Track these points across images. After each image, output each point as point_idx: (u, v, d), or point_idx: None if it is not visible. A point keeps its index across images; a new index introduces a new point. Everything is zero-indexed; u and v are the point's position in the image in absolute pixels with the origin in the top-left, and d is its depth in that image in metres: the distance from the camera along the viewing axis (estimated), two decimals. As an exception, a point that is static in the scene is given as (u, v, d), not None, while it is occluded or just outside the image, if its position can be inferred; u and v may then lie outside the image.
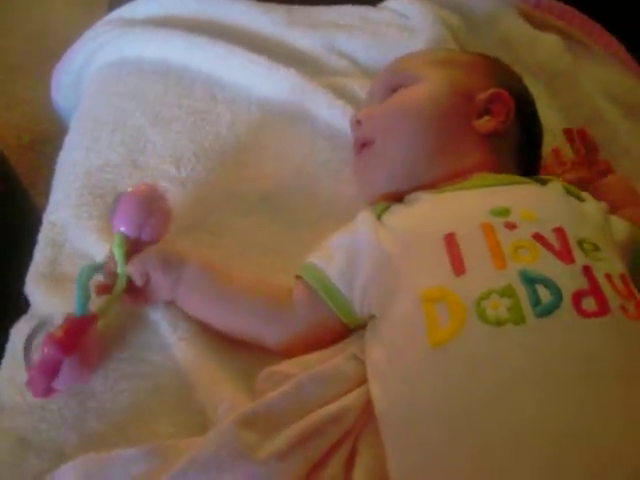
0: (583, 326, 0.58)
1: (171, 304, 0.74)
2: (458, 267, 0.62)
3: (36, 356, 0.66)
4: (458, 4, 1.15)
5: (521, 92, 0.84)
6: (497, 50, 0.91)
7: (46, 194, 0.92)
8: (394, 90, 0.82)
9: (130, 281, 0.71)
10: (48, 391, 0.65)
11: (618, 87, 1.12)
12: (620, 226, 0.73)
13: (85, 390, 0.69)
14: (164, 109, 0.97)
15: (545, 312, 0.58)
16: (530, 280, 0.60)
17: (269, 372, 0.67)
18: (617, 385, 0.56)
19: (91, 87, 1.06)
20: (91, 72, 1.09)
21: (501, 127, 0.77)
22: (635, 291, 0.64)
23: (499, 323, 0.58)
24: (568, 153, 0.95)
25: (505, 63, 0.88)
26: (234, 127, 0.96)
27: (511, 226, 0.65)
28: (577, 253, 0.63)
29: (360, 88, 0.97)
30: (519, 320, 0.58)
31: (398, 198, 0.76)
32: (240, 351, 0.72)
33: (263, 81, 0.99)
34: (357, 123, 0.83)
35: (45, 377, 0.64)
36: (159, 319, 0.73)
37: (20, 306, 0.79)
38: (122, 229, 0.71)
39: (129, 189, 0.74)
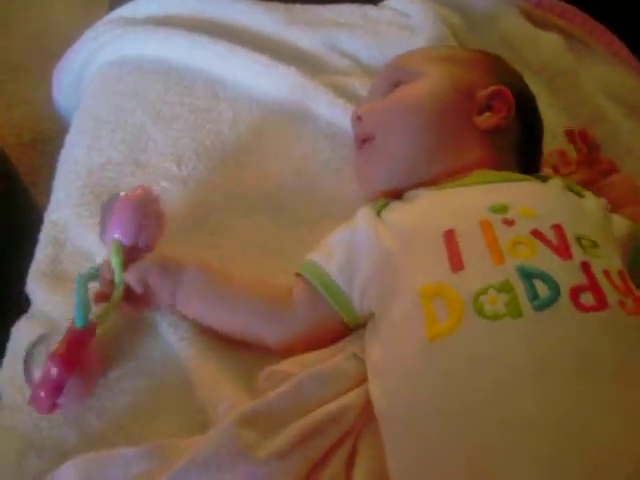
0: (581, 320, 0.58)
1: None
2: (456, 263, 0.62)
3: (37, 371, 0.65)
4: (459, 3, 1.15)
5: (522, 89, 0.84)
6: (498, 49, 0.91)
7: (47, 193, 0.92)
8: (395, 86, 0.82)
9: (128, 289, 0.71)
10: (53, 408, 0.65)
11: (620, 86, 1.12)
12: (620, 223, 0.73)
13: (86, 389, 0.69)
14: (165, 108, 0.97)
15: (543, 306, 0.58)
16: (528, 275, 0.60)
17: (269, 371, 0.67)
18: (615, 381, 0.56)
19: (92, 86, 1.06)
20: (92, 71, 1.09)
21: (502, 123, 0.78)
22: (633, 287, 0.64)
23: (497, 317, 0.58)
24: (573, 154, 0.95)
25: (505, 60, 0.88)
26: (235, 126, 0.96)
27: (509, 222, 0.65)
28: (575, 249, 0.63)
29: (361, 87, 0.97)
30: (517, 314, 0.58)
31: (398, 195, 0.76)
32: (240, 351, 0.72)
33: (264, 80, 1.00)
34: (358, 119, 0.84)
35: (51, 395, 0.63)
36: (159, 319, 0.73)
37: (21, 305, 0.79)
38: (117, 236, 0.70)
39: (122, 193, 0.73)
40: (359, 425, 0.63)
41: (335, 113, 0.95)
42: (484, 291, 0.60)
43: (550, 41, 1.13)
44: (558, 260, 0.62)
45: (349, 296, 0.70)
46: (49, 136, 1.42)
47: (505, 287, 0.59)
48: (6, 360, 0.74)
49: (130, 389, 0.69)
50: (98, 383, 0.69)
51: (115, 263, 0.69)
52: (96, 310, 0.69)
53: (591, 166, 0.91)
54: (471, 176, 0.74)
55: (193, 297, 0.72)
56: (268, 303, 0.72)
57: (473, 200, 0.70)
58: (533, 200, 0.69)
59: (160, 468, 0.58)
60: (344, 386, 0.65)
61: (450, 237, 0.64)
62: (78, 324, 0.66)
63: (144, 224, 0.71)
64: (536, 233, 0.64)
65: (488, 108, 0.79)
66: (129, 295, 0.71)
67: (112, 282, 0.70)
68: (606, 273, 0.62)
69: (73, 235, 0.83)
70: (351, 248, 0.71)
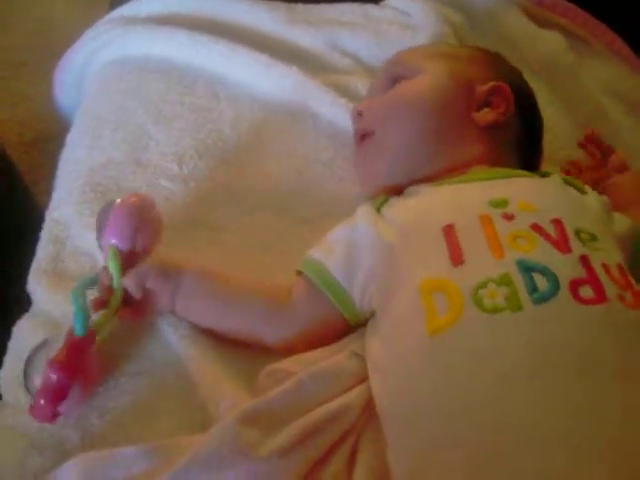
0: (581, 313, 0.58)
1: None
2: (456, 257, 0.63)
3: (38, 378, 0.65)
4: (460, 2, 1.15)
5: (521, 85, 0.84)
6: (499, 47, 0.91)
7: (48, 191, 0.92)
8: (395, 82, 0.82)
9: (127, 294, 0.71)
10: (53, 416, 0.64)
11: (621, 84, 1.12)
12: (621, 221, 0.74)
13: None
14: (166, 107, 0.97)
15: (542, 299, 0.58)
16: (527, 268, 0.60)
17: (270, 370, 0.67)
18: (614, 374, 0.56)
19: (93, 85, 1.06)
20: (93, 70, 1.09)
21: (501, 119, 0.78)
22: (632, 281, 0.64)
23: (496, 311, 0.58)
24: (585, 160, 0.95)
25: (505, 58, 0.88)
26: (236, 125, 0.96)
27: (509, 217, 0.65)
28: (574, 243, 0.63)
29: (363, 86, 0.97)
30: (516, 307, 0.58)
31: (398, 191, 0.76)
32: (241, 349, 0.72)
33: (265, 79, 1.00)
34: (358, 114, 0.84)
35: (52, 403, 0.63)
36: (160, 318, 0.73)
37: (22, 303, 0.79)
38: (114, 241, 0.70)
39: (117, 200, 0.73)
40: (360, 423, 0.63)
41: (336, 112, 0.95)
42: (484, 285, 0.60)
43: (551, 40, 1.13)
44: (557, 254, 0.62)
45: (350, 293, 0.70)
46: (50, 135, 1.42)
47: (505, 280, 0.60)
48: (7, 359, 0.74)
49: (131, 388, 0.69)
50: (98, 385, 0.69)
51: (113, 268, 0.69)
52: (95, 318, 0.69)
53: (603, 167, 0.92)
54: (470, 173, 0.74)
55: (192, 300, 0.72)
56: (267, 303, 0.72)
57: (472, 195, 0.70)
58: (533, 195, 0.69)
59: (161, 467, 0.58)
60: (345, 384, 0.65)
61: (450, 232, 0.65)
62: (78, 332, 0.66)
63: (140, 228, 0.71)
64: (536, 227, 0.64)
65: (487, 104, 0.79)
66: (128, 301, 0.71)
67: (110, 288, 0.70)
68: (605, 267, 0.62)
69: (74, 234, 0.83)
70: (351, 245, 0.71)
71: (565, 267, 0.61)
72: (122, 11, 1.14)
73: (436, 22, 1.06)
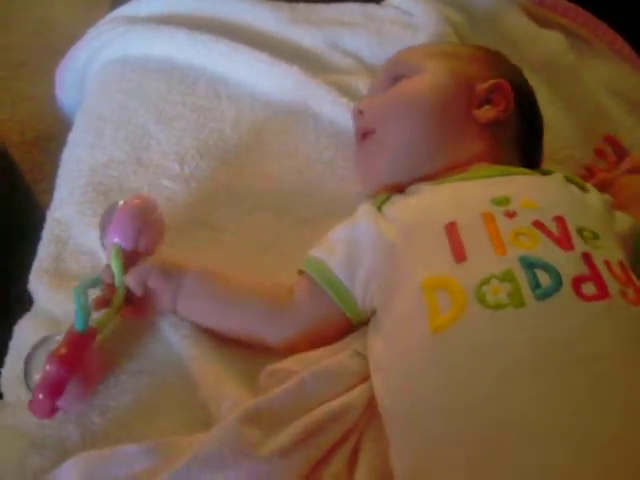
0: (583, 309, 0.58)
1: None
2: (459, 255, 0.63)
3: (37, 376, 0.65)
4: (461, 2, 1.15)
5: (521, 83, 0.85)
6: (500, 47, 0.91)
7: (50, 191, 0.92)
8: (396, 81, 0.83)
9: (129, 293, 0.71)
10: (52, 411, 0.64)
11: (622, 84, 1.12)
12: (623, 220, 0.74)
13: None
14: (168, 106, 0.97)
15: (545, 295, 0.58)
16: (530, 265, 0.60)
17: (272, 369, 0.67)
18: (617, 369, 0.56)
19: (95, 85, 1.06)
20: (94, 70, 1.09)
21: (501, 116, 0.78)
22: (634, 277, 0.64)
23: (499, 307, 0.58)
24: (600, 164, 0.96)
25: (505, 56, 0.88)
26: (238, 124, 0.96)
27: (511, 214, 0.65)
28: (576, 240, 0.63)
29: (364, 86, 0.97)
30: (519, 304, 0.58)
31: (399, 190, 0.76)
32: (243, 349, 0.72)
33: (266, 78, 1.00)
34: (359, 113, 0.84)
35: (50, 397, 0.63)
36: (162, 318, 0.73)
37: (24, 303, 0.79)
38: (117, 240, 0.71)
39: (120, 202, 0.73)
40: (362, 422, 0.63)
41: (337, 112, 0.95)
42: (486, 281, 0.60)
43: (552, 39, 1.13)
44: (560, 251, 0.62)
45: (351, 292, 0.70)
46: (52, 134, 1.42)
47: (507, 277, 0.60)
48: (9, 358, 0.74)
49: (132, 387, 0.69)
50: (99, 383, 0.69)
51: (115, 266, 0.70)
52: (97, 317, 0.69)
53: (616, 169, 0.92)
54: (471, 170, 0.75)
55: (193, 301, 0.72)
56: (268, 303, 0.72)
57: (474, 193, 0.70)
58: (534, 192, 0.69)
59: (162, 466, 0.58)
60: (347, 384, 0.65)
61: (452, 229, 0.65)
62: (78, 327, 0.66)
63: (143, 230, 0.72)
64: (538, 224, 0.64)
65: (487, 101, 0.79)
66: (130, 300, 0.71)
67: (113, 286, 0.70)
68: (607, 264, 0.62)
69: (76, 233, 0.83)
70: (352, 244, 0.71)
71: (567, 264, 0.61)
72: (124, 10, 1.14)
73: (437, 22, 1.06)
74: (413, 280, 0.64)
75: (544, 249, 0.62)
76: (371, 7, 1.13)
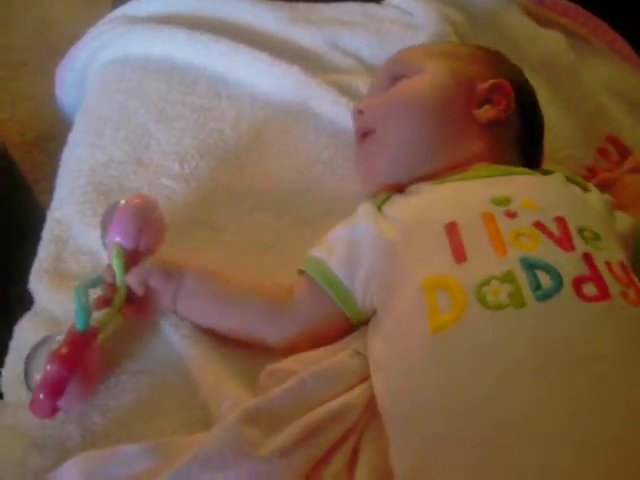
0: (584, 310, 0.58)
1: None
2: (459, 255, 0.63)
3: (38, 376, 0.65)
4: (461, 1, 1.15)
5: (521, 83, 0.85)
6: (500, 47, 0.91)
7: (50, 191, 0.92)
8: (396, 80, 0.83)
9: (130, 293, 0.71)
10: (52, 411, 0.64)
11: (622, 83, 1.12)
12: (623, 220, 0.74)
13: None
14: (168, 106, 0.97)
15: (546, 296, 0.58)
16: (530, 266, 0.60)
17: (272, 369, 0.67)
18: (618, 370, 0.56)
19: (95, 85, 1.06)
20: (95, 70, 1.09)
21: (501, 116, 0.78)
22: (635, 278, 0.64)
23: (500, 308, 0.58)
24: (602, 163, 0.96)
25: (505, 56, 0.88)
26: (238, 124, 0.96)
27: (512, 215, 0.65)
28: (577, 241, 0.63)
29: (364, 85, 0.97)
30: (520, 304, 0.58)
31: (399, 190, 0.76)
32: (243, 349, 0.72)
33: (266, 78, 1.00)
34: (359, 113, 0.84)
35: (51, 397, 0.63)
36: (162, 318, 0.73)
37: (24, 303, 0.79)
38: (118, 239, 0.71)
39: (121, 201, 0.73)
40: (362, 422, 0.63)
41: (337, 111, 0.95)
42: (487, 282, 0.60)
43: (552, 39, 1.13)
44: (560, 252, 0.62)
45: (351, 291, 0.70)
46: (52, 134, 1.42)
47: (508, 277, 0.60)
48: (9, 358, 0.74)
49: (132, 387, 0.69)
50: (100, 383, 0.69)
51: (116, 266, 0.70)
52: (98, 316, 0.69)
53: (618, 168, 0.92)
54: (471, 170, 0.74)
55: (194, 300, 0.72)
56: (268, 303, 0.72)
57: (474, 193, 0.70)
58: (535, 192, 0.69)
59: (163, 465, 0.58)
60: (347, 384, 0.65)
61: (452, 229, 0.65)
62: (79, 327, 0.66)
63: (144, 229, 0.72)
64: (538, 225, 0.64)
65: (488, 101, 0.79)
66: (131, 299, 0.71)
67: (114, 285, 0.70)
68: (608, 264, 0.62)
69: (76, 233, 0.83)
70: (352, 243, 0.71)
71: (568, 265, 0.61)
72: (124, 10, 1.14)
73: (437, 21, 1.06)
74: (413, 280, 0.64)
75: (545, 250, 0.62)
76: (371, 7, 1.13)
